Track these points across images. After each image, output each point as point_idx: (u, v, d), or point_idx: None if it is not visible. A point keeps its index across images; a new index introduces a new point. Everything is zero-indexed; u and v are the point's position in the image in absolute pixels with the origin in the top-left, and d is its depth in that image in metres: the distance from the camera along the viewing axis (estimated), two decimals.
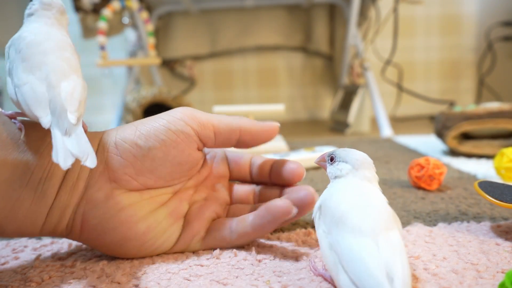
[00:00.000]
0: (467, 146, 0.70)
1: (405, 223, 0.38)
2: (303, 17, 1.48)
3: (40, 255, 0.33)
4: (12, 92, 0.28)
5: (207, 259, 0.31)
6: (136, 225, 0.30)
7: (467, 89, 1.56)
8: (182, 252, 0.33)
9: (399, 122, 1.33)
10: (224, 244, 0.32)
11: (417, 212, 0.41)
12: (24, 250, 0.35)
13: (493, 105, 0.69)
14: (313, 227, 0.37)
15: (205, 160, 0.35)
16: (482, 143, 0.70)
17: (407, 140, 0.91)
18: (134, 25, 1.23)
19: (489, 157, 0.68)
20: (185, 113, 0.31)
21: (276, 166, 0.35)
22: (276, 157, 0.53)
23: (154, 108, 1.04)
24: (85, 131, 0.30)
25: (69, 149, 0.25)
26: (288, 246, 0.33)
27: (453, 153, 0.72)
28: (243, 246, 0.33)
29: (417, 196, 0.47)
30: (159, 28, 1.44)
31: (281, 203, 0.30)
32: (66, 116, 0.26)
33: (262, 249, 0.33)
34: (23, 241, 0.37)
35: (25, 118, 0.29)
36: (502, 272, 0.28)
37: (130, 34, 1.30)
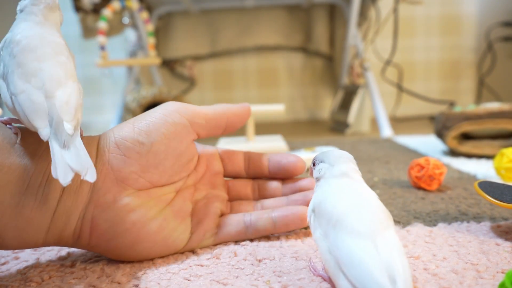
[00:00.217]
0: (467, 146, 0.70)
1: (405, 223, 0.38)
2: (303, 17, 1.48)
3: (40, 255, 0.33)
4: (8, 99, 0.27)
5: (207, 259, 0.31)
6: (147, 225, 0.30)
7: (467, 89, 1.56)
8: (193, 249, 0.33)
9: (399, 122, 1.33)
10: (239, 238, 0.34)
11: (417, 212, 0.41)
12: (24, 250, 0.35)
13: (493, 105, 0.69)
14: None
15: (199, 158, 0.35)
16: (482, 143, 0.70)
17: (407, 140, 0.91)
18: (134, 25, 1.23)
19: (489, 157, 0.68)
20: (177, 106, 0.33)
21: (274, 160, 0.37)
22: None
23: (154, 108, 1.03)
24: (81, 135, 0.30)
25: (68, 163, 0.25)
26: (288, 246, 0.33)
27: (453, 153, 0.72)
28: (243, 246, 0.33)
29: (417, 196, 0.47)
30: (159, 28, 1.44)
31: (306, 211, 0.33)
32: (63, 127, 0.26)
33: (262, 249, 0.33)
34: None
35: (21, 125, 0.29)
36: (502, 272, 0.28)
37: (130, 34, 1.30)
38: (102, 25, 0.93)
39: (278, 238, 0.35)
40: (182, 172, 0.33)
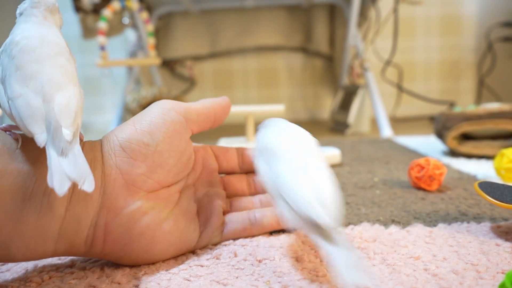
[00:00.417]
0: (467, 147, 0.70)
1: (405, 223, 0.38)
2: (303, 18, 1.48)
3: None
4: (5, 103, 0.27)
5: (207, 259, 0.31)
6: (161, 227, 0.30)
7: (467, 89, 1.56)
8: (203, 247, 0.33)
9: (399, 123, 1.33)
10: (244, 235, 0.35)
11: (417, 213, 0.41)
12: None
13: (493, 106, 0.69)
14: None
15: (195, 157, 0.35)
16: (482, 144, 0.70)
17: (407, 140, 0.91)
18: (134, 26, 1.23)
19: (489, 157, 0.68)
20: (172, 104, 0.33)
21: None
22: None
23: None
24: (81, 140, 0.29)
25: (65, 171, 0.24)
26: (289, 246, 0.33)
27: (453, 153, 0.72)
28: (243, 247, 0.33)
29: (417, 197, 0.47)
30: (159, 28, 1.44)
31: None
32: (62, 134, 0.25)
33: (262, 249, 0.33)
34: None
35: (20, 132, 0.28)
36: (502, 273, 0.28)
37: (130, 35, 1.30)
38: (102, 25, 0.93)
39: (278, 238, 0.35)
40: (184, 170, 0.33)
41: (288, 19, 1.48)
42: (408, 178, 0.51)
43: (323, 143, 0.88)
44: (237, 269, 0.30)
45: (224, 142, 0.73)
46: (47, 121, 0.25)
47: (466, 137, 0.73)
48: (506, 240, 0.33)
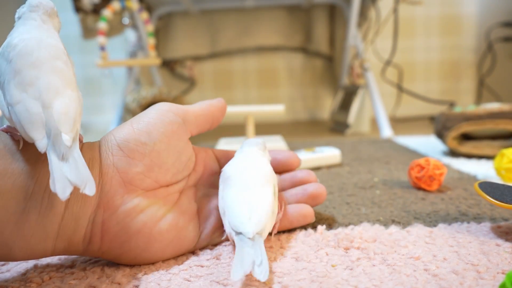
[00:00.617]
0: (467, 147, 0.70)
1: (405, 223, 0.38)
2: (303, 18, 1.48)
3: None
4: (5, 108, 0.27)
5: (207, 259, 0.31)
6: (158, 225, 0.30)
7: (467, 89, 1.56)
8: (203, 247, 0.34)
9: (399, 123, 1.33)
10: None
11: (417, 213, 0.41)
12: None
13: (493, 106, 0.69)
14: (313, 227, 0.37)
15: (197, 159, 0.36)
16: (482, 144, 0.70)
17: (407, 140, 0.91)
18: (134, 26, 1.23)
19: (489, 157, 0.68)
20: (169, 106, 0.33)
21: (270, 156, 0.38)
22: None
23: None
24: (81, 141, 0.30)
25: (67, 176, 0.24)
26: (289, 247, 0.33)
27: (453, 153, 0.72)
28: None
29: (417, 197, 0.46)
30: (159, 29, 1.44)
31: (310, 210, 0.36)
32: (61, 139, 0.25)
33: None
34: None
35: (20, 134, 0.28)
36: (503, 273, 0.28)
37: (130, 35, 1.30)
38: (102, 25, 0.93)
39: (278, 238, 0.35)
40: (184, 171, 0.34)
41: (288, 19, 1.48)
42: (408, 178, 0.51)
43: (323, 143, 0.88)
44: None
45: (224, 142, 0.73)
46: (47, 127, 0.26)
47: (466, 137, 0.73)
48: (506, 240, 0.33)
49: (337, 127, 1.20)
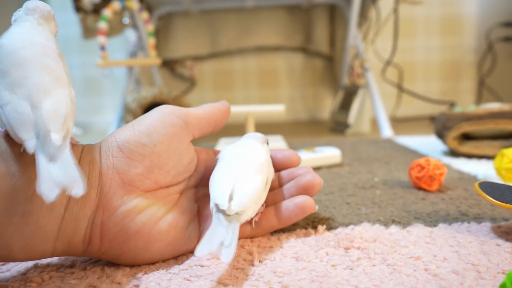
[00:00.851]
0: (468, 147, 0.70)
1: (405, 223, 0.38)
2: (303, 18, 1.48)
3: None
4: None
5: (208, 259, 0.31)
6: (157, 225, 0.30)
7: (467, 89, 1.56)
8: None
9: (400, 123, 1.33)
10: (245, 236, 0.35)
11: (418, 213, 0.41)
12: None
13: (494, 106, 0.69)
14: (313, 227, 0.37)
15: (198, 160, 0.36)
16: (482, 144, 0.70)
17: (407, 140, 0.91)
18: (134, 26, 1.23)
19: (490, 157, 0.68)
20: (171, 108, 0.33)
21: (272, 156, 0.39)
22: None
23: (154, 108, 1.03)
24: (73, 144, 0.30)
25: (53, 178, 0.24)
26: (289, 246, 0.33)
27: (453, 153, 0.72)
28: (243, 247, 0.33)
29: (417, 197, 0.46)
30: (160, 29, 1.44)
31: (308, 200, 0.35)
32: (50, 139, 0.25)
33: (263, 249, 0.33)
34: None
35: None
36: (503, 273, 0.27)
37: (130, 35, 1.30)
38: (102, 25, 0.93)
39: (278, 238, 0.35)
40: (185, 173, 0.34)
41: (288, 19, 1.48)
42: (409, 178, 0.51)
43: (323, 143, 0.88)
44: (237, 269, 0.30)
45: (224, 142, 0.73)
46: (36, 128, 0.25)
47: (466, 137, 0.73)
48: (507, 240, 0.33)
49: (337, 127, 1.20)
